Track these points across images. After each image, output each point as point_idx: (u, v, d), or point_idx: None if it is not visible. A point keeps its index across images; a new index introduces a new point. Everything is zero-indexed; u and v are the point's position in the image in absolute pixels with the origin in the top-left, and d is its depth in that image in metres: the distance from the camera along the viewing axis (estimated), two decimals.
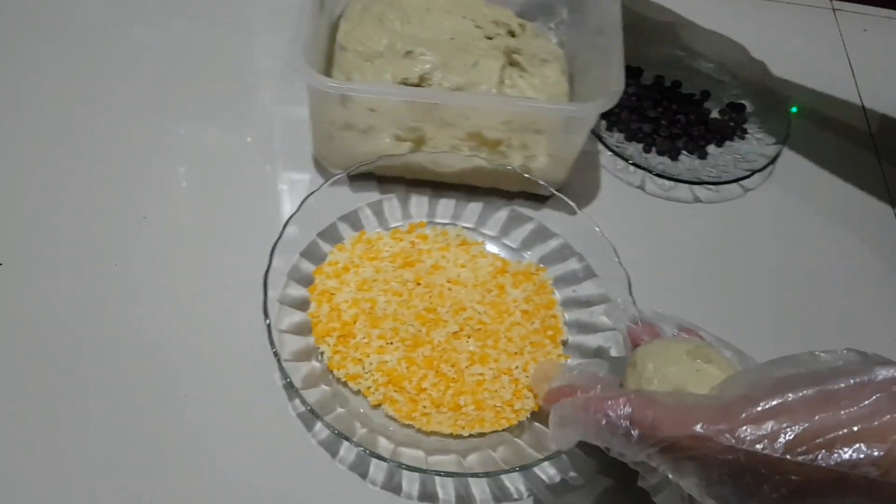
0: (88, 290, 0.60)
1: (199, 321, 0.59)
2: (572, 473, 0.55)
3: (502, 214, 0.66)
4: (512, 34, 0.71)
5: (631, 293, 0.58)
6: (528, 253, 0.65)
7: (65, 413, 0.54)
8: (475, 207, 0.66)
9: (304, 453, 0.54)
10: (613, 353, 0.58)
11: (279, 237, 0.57)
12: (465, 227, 0.66)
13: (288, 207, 0.65)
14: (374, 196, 0.64)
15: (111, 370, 0.56)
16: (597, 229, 0.61)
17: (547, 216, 0.65)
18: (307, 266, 0.60)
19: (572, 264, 0.63)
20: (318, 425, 0.55)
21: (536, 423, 0.56)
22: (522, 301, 0.60)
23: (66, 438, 0.53)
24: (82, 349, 0.57)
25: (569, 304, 0.62)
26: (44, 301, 0.59)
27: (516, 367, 0.57)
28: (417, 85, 0.65)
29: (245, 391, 0.56)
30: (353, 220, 0.63)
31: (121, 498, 0.51)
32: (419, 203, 0.66)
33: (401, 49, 0.67)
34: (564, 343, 0.60)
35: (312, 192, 0.60)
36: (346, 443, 0.53)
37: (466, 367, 0.56)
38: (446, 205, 0.67)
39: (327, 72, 0.67)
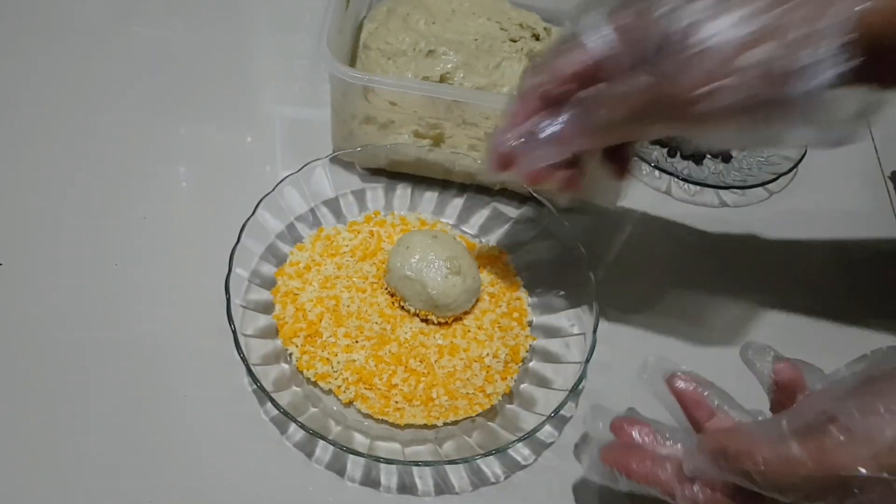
0: (88, 290, 0.60)
1: (197, 322, 0.59)
2: (546, 453, 0.56)
3: (458, 202, 0.67)
4: (537, 38, 0.72)
5: (588, 269, 0.59)
6: (486, 238, 0.65)
7: (63, 412, 0.54)
8: (431, 197, 0.67)
9: (279, 456, 0.54)
10: (576, 329, 0.59)
11: (237, 242, 0.57)
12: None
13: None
14: (328, 194, 0.65)
15: (110, 370, 0.57)
16: (550, 208, 0.62)
17: (501, 201, 0.66)
18: (268, 269, 0.60)
19: None
20: (293, 427, 0.55)
21: (508, 406, 0.57)
22: (489, 284, 0.61)
23: (64, 437, 0.53)
24: (82, 349, 0.57)
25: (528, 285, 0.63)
26: (44, 301, 0.59)
27: (487, 354, 0.57)
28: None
29: (220, 396, 0.56)
30: (309, 218, 0.64)
31: (116, 497, 0.52)
32: (375, 197, 0.66)
33: (424, 48, 0.67)
34: (530, 324, 0.61)
35: (262, 198, 0.60)
36: (321, 442, 0.54)
37: (436, 361, 0.56)
38: (402, 196, 0.67)
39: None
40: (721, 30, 0.41)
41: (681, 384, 0.47)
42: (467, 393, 0.55)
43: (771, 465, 0.40)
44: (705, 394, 0.47)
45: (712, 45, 0.41)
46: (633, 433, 0.48)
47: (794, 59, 0.40)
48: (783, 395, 0.46)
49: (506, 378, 0.57)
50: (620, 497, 0.54)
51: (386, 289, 0.59)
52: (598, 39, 0.45)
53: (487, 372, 0.56)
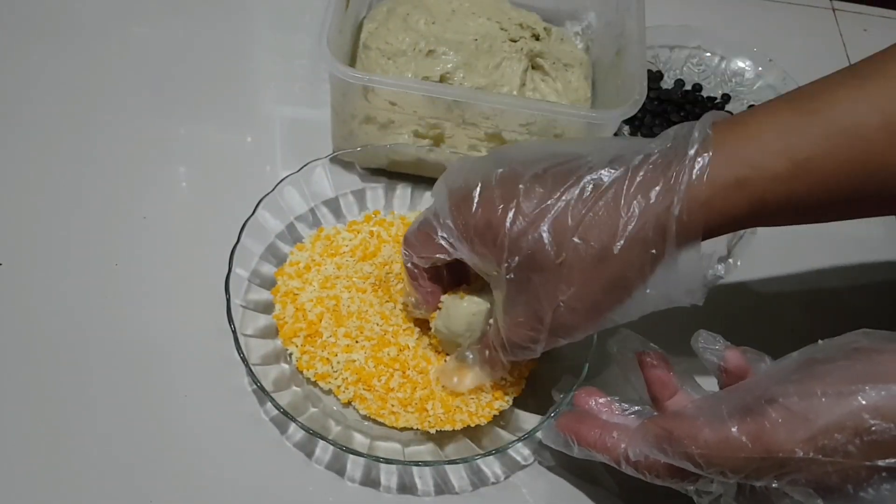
0: (89, 290, 0.60)
1: (197, 322, 0.59)
2: (546, 453, 0.56)
3: None
4: (537, 38, 0.71)
5: None
6: None
7: (63, 412, 0.54)
8: (430, 197, 0.66)
9: (279, 456, 0.54)
10: None
11: (237, 242, 0.57)
12: None
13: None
14: (328, 194, 0.65)
15: (110, 369, 0.57)
16: None
17: None
18: (268, 269, 0.60)
19: None
20: (293, 427, 0.55)
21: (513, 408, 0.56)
22: None
23: (63, 437, 0.54)
24: (82, 349, 0.57)
25: None
26: (44, 301, 0.59)
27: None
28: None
29: (220, 396, 0.57)
30: (309, 218, 0.64)
31: (115, 497, 0.52)
32: (375, 197, 0.66)
33: (424, 48, 0.67)
34: None
35: (262, 198, 0.60)
36: (322, 442, 0.54)
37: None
38: (402, 196, 0.67)
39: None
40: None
41: (650, 361, 0.49)
42: (468, 409, 0.54)
43: (712, 447, 0.41)
44: (671, 374, 0.49)
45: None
46: (591, 402, 0.51)
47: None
48: (732, 382, 0.47)
49: (518, 383, 0.56)
50: (620, 497, 0.54)
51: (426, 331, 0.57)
52: (448, 245, 0.49)
53: (495, 389, 0.55)
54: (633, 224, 0.43)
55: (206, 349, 0.58)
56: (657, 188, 0.43)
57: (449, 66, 0.67)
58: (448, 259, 0.51)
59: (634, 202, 0.43)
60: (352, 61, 0.70)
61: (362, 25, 0.72)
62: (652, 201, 0.43)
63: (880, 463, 0.38)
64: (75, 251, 0.62)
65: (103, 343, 0.58)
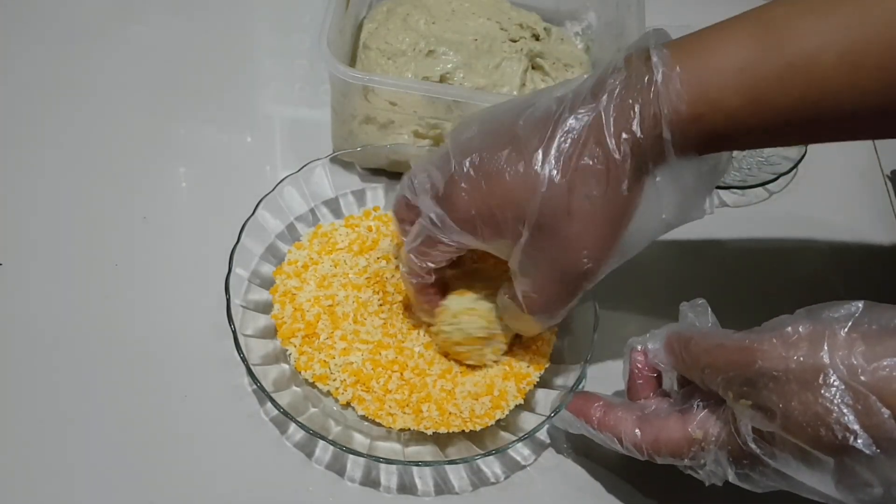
0: (88, 290, 0.60)
1: (197, 322, 0.59)
2: (546, 453, 0.56)
3: None
4: (537, 38, 0.72)
5: None
6: None
7: (62, 412, 0.54)
8: None
9: (279, 456, 0.54)
10: (576, 329, 0.59)
11: (237, 242, 0.57)
12: None
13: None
14: (328, 194, 0.64)
15: (110, 370, 0.56)
16: None
17: None
18: (268, 269, 0.60)
19: None
20: (293, 427, 0.55)
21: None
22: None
23: (63, 437, 0.53)
24: (81, 349, 0.57)
25: None
26: (43, 301, 0.59)
27: (499, 377, 0.55)
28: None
29: (220, 396, 0.57)
30: (309, 218, 0.63)
31: (115, 498, 0.52)
32: (375, 197, 0.66)
33: (424, 48, 0.67)
34: None
35: (262, 198, 0.60)
36: (322, 442, 0.53)
37: (435, 380, 0.55)
38: None
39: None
40: None
41: (637, 356, 0.51)
42: (461, 416, 0.54)
43: (706, 348, 0.46)
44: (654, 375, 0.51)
45: None
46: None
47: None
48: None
49: (521, 393, 0.55)
50: (621, 496, 0.54)
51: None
52: (456, 244, 0.50)
53: (493, 398, 0.55)
54: (624, 145, 0.44)
55: (206, 349, 0.58)
56: (635, 110, 0.44)
57: (449, 66, 0.67)
58: (455, 256, 0.52)
59: (621, 130, 0.44)
60: (352, 61, 0.70)
61: (362, 25, 0.72)
62: (633, 123, 0.44)
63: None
64: (75, 251, 0.62)
65: (103, 343, 0.58)
